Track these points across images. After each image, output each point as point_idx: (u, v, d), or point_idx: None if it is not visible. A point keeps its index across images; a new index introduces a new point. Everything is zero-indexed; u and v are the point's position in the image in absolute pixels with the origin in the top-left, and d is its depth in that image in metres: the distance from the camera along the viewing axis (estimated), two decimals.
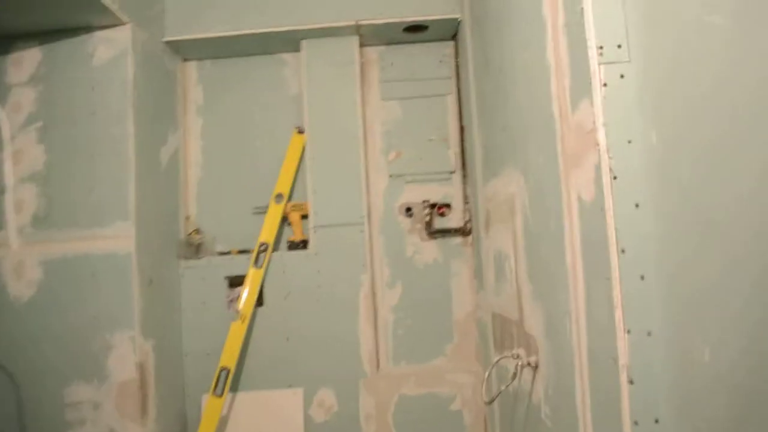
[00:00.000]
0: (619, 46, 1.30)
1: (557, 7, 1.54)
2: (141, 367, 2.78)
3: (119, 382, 2.75)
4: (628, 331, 1.21)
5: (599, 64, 1.30)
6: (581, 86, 1.36)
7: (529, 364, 1.90)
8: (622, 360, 1.21)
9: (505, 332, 2.38)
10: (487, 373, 2.10)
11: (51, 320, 2.79)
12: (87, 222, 2.81)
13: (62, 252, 2.81)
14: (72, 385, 2.77)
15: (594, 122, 1.29)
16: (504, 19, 2.17)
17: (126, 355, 2.76)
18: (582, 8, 1.35)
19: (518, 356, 1.98)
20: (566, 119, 1.49)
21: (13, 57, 2.91)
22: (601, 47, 1.30)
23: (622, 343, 1.21)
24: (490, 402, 2.00)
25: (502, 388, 2.01)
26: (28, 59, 2.91)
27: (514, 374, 1.97)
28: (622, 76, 1.29)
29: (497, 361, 2.14)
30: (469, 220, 3.28)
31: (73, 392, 2.77)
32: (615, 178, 1.25)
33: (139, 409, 2.75)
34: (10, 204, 2.86)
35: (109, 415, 2.75)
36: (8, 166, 2.87)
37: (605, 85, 1.29)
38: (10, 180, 2.86)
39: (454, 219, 3.37)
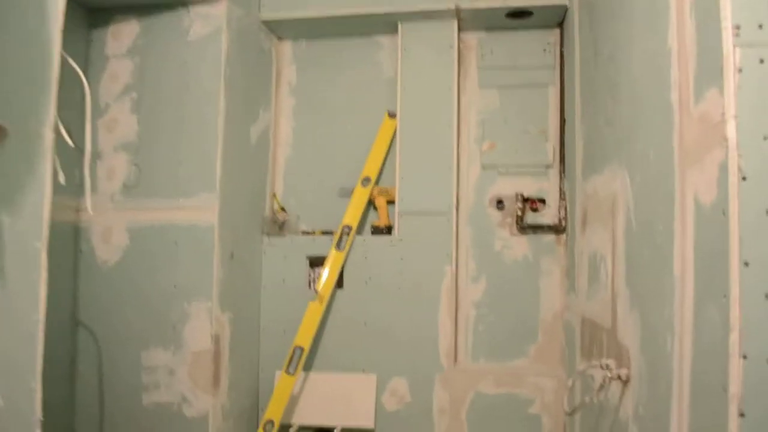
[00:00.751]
0: (761, 26, 1.12)
1: None
2: (216, 339, 2.79)
3: (194, 351, 2.78)
4: (744, 357, 1.05)
5: (734, 46, 1.12)
6: (709, 72, 1.19)
7: (618, 377, 1.74)
8: (733, 389, 1.05)
9: (594, 339, 2.22)
10: (570, 382, 1.94)
11: (134, 285, 2.85)
12: (173, 192, 2.85)
13: (148, 220, 2.85)
14: (149, 349, 2.82)
15: (722, 114, 1.12)
16: (618, 3, 1.99)
17: (202, 325, 2.78)
18: None
19: (607, 367, 1.82)
20: (687, 110, 1.32)
21: (113, 29, 2.98)
22: (737, 27, 1.12)
23: (736, 369, 1.05)
24: (572, 413, 1.86)
25: (586, 399, 1.85)
26: (126, 32, 2.96)
27: (601, 386, 1.81)
28: (762, 61, 1.11)
29: (583, 371, 1.98)
30: (565, 218, 3.10)
31: (149, 356, 2.82)
32: (744, 179, 1.08)
33: (211, 379, 2.76)
34: (103, 171, 2.93)
35: (182, 383, 2.78)
36: (103, 134, 2.93)
37: (740, 70, 1.11)
38: (103, 147, 2.93)
39: (548, 215, 3.20)
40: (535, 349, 3.16)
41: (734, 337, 1.05)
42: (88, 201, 1.86)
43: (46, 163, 1.49)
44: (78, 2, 2.90)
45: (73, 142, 2.84)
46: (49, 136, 1.50)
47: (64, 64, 1.74)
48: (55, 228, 2.74)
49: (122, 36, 2.97)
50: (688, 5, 1.33)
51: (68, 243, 2.90)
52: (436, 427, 3.12)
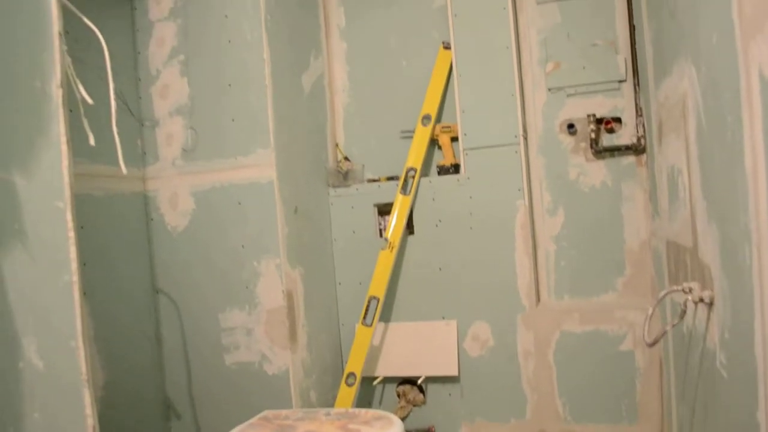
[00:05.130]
0: None
1: None
2: (288, 295, 2.76)
3: (268, 309, 2.76)
4: None
5: None
6: None
7: (701, 299, 1.53)
8: None
9: (679, 262, 1.99)
10: (651, 310, 1.75)
11: (204, 249, 2.85)
12: (230, 151, 2.80)
13: (210, 182, 2.83)
14: (226, 311, 2.82)
15: None
16: None
17: (273, 282, 2.75)
18: None
19: (690, 290, 1.62)
20: None
21: None
22: None
23: None
24: (653, 344, 1.67)
25: (667, 328, 1.66)
26: None
27: (682, 312, 1.61)
28: None
29: (663, 297, 1.77)
30: (643, 135, 2.81)
31: (227, 318, 2.83)
32: None
33: (288, 336, 2.74)
34: (162, 137, 2.93)
35: (260, 341, 2.78)
36: (157, 101, 2.93)
37: None
38: (160, 114, 2.93)
39: (625, 135, 2.92)
40: (623, 282, 2.94)
41: None
42: (120, 160, 1.83)
43: (59, 121, 1.44)
44: None
45: (129, 109, 2.90)
46: (57, 94, 1.45)
47: (111, 36, 1.69)
48: (125, 199, 2.84)
49: None
50: None
51: (140, 212, 2.94)
52: (523, 371, 2.98)
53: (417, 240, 3.13)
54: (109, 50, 1.77)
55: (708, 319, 1.56)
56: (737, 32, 1.14)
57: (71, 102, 1.57)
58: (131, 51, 2.95)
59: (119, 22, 2.91)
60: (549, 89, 3.02)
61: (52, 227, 1.41)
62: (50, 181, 1.41)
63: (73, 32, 1.76)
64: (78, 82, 1.58)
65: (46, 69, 1.44)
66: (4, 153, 1.45)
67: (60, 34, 1.46)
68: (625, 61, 2.89)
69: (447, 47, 3.12)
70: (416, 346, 3.13)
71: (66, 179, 1.42)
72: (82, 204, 2.23)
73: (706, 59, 1.43)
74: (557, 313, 2.93)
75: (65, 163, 1.42)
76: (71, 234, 1.42)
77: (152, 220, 2.95)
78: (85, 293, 1.57)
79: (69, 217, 1.43)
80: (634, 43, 2.81)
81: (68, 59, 1.55)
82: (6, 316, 1.41)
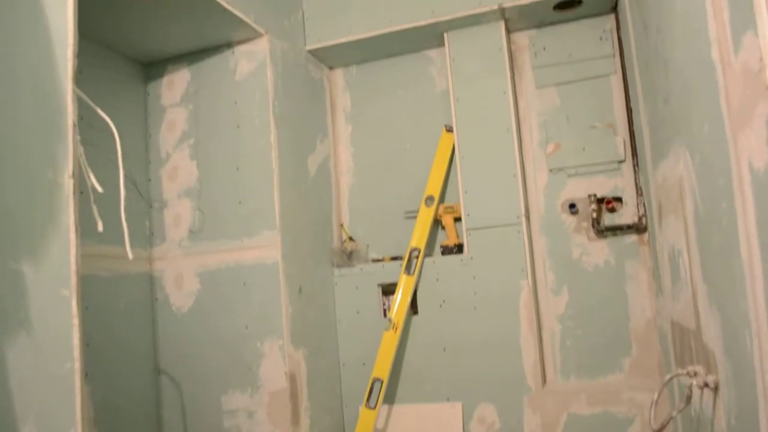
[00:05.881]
0: None
1: None
2: (291, 377, 2.73)
3: (270, 391, 2.73)
4: None
5: None
6: (743, 14, 1.01)
7: (706, 384, 1.52)
8: None
9: (684, 344, 1.98)
10: (656, 395, 1.73)
11: (208, 329, 2.85)
12: (236, 233, 2.84)
13: (216, 263, 2.86)
14: (228, 392, 2.80)
15: (761, 58, 0.94)
16: None
17: (276, 363, 2.73)
18: None
19: (695, 374, 1.60)
20: (729, 65, 1.13)
21: (167, 80, 3.05)
22: None
23: None
24: (660, 430, 1.64)
25: (674, 413, 1.64)
26: (178, 80, 3.02)
27: (688, 396, 1.59)
28: None
29: (668, 381, 1.76)
30: (644, 215, 2.85)
31: (229, 400, 2.80)
32: None
33: (290, 419, 2.70)
34: (170, 218, 2.98)
35: (261, 425, 2.73)
36: (166, 183, 2.99)
37: None
38: (168, 196, 2.99)
39: (626, 214, 2.95)
40: (630, 362, 2.90)
41: None
42: (127, 247, 1.85)
43: (68, 212, 1.48)
44: (132, 58, 3.00)
45: (139, 191, 2.96)
46: (68, 184, 1.49)
47: (128, 121, 1.76)
48: (131, 279, 2.86)
49: (175, 85, 3.03)
50: None
51: (145, 293, 2.95)
52: None
53: (421, 320, 3.12)
54: (121, 133, 1.83)
55: (714, 404, 1.54)
56: (726, 124, 1.18)
57: (82, 184, 1.62)
58: (143, 134, 3.04)
59: (132, 106, 3.01)
60: (550, 170, 3.08)
61: (56, 314, 1.43)
62: (57, 269, 1.44)
63: (86, 117, 1.82)
64: (89, 171, 1.62)
65: (58, 160, 1.48)
66: (14, 243, 1.48)
67: (74, 124, 1.52)
68: (624, 142, 2.96)
69: (449, 130, 3.20)
70: (420, 428, 3.06)
71: (73, 267, 1.44)
72: (88, 285, 2.24)
73: (699, 146, 1.47)
74: (564, 394, 2.88)
75: (73, 251, 1.45)
76: (75, 321, 1.43)
77: (157, 300, 2.96)
78: (87, 374, 1.57)
79: (74, 304, 1.44)
80: (632, 125, 2.88)
81: (81, 148, 1.60)
82: (7, 404, 1.40)
